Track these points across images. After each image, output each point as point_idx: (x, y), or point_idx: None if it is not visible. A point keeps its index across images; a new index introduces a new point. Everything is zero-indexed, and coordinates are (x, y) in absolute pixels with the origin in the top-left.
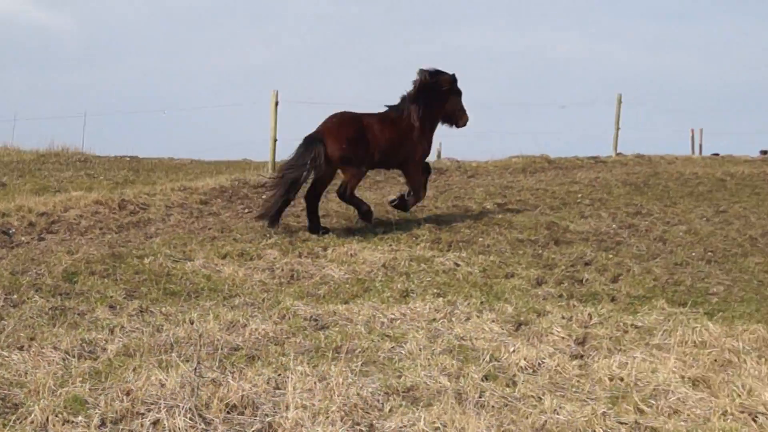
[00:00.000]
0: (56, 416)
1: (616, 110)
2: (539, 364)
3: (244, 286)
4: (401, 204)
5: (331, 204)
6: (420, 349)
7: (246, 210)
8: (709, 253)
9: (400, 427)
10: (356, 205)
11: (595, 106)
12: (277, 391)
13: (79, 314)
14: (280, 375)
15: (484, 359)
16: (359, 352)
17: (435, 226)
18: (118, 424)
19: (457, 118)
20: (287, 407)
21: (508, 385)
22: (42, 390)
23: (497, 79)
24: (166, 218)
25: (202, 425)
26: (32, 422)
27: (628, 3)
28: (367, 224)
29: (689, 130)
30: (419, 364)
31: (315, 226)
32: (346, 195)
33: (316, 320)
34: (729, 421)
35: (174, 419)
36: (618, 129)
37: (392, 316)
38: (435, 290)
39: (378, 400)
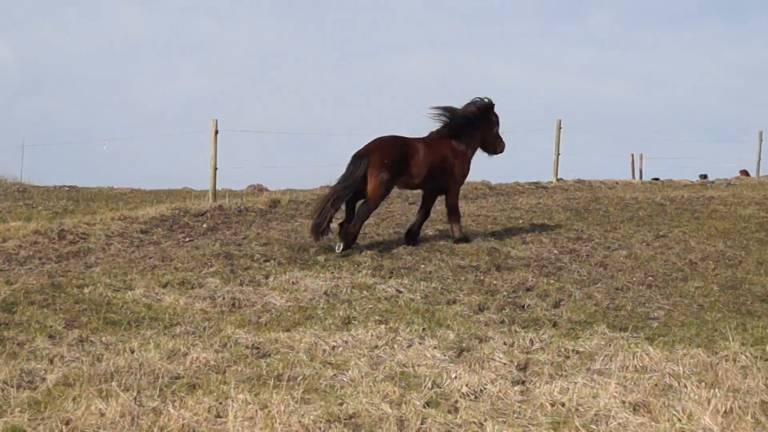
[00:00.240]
0: None
1: (555, 136)
2: (481, 390)
3: (185, 314)
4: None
5: (272, 232)
6: (362, 377)
7: (187, 239)
8: (650, 278)
9: None
10: (354, 228)
11: (535, 131)
12: (218, 420)
13: (18, 344)
14: (221, 403)
15: (425, 386)
16: (301, 379)
17: (377, 253)
18: None
19: (495, 145)
20: None
21: (449, 412)
22: None
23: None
24: (106, 247)
25: None
26: None
27: (567, 29)
28: (346, 248)
29: (629, 155)
30: (361, 391)
31: (349, 240)
32: (360, 213)
33: (257, 348)
34: None
35: None
36: (558, 154)
37: (334, 344)
38: (377, 317)
39: (320, 428)
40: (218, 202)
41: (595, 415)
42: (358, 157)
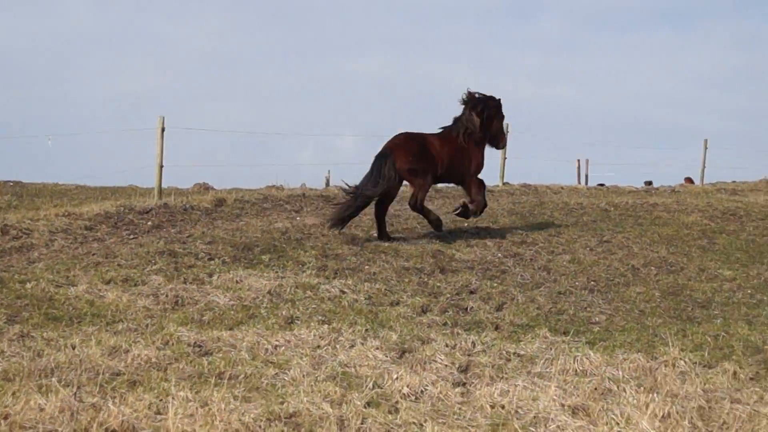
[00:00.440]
0: None
1: None
2: (422, 391)
3: (127, 311)
4: (464, 212)
5: (217, 231)
6: (303, 376)
7: (131, 236)
8: (592, 283)
9: None
10: (426, 215)
11: None
12: (158, 417)
13: None
14: (161, 400)
15: (367, 386)
16: (242, 378)
17: (321, 253)
18: None
19: (498, 140)
20: None
21: (390, 413)
22: None
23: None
24: (49, 243)
25: None
26: None
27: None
28: (438, 232)
29: (575, 160)
30: (302, 390)
31: (383, 234)
32: (417, 205)
33: (199, 346)
34: None
35: None
36: (504, 158)
37: (276, 343)
38: (320, 317)
39: (260, 427)
40: (164, 200)
41: (535, 417)
42: (381, 157)
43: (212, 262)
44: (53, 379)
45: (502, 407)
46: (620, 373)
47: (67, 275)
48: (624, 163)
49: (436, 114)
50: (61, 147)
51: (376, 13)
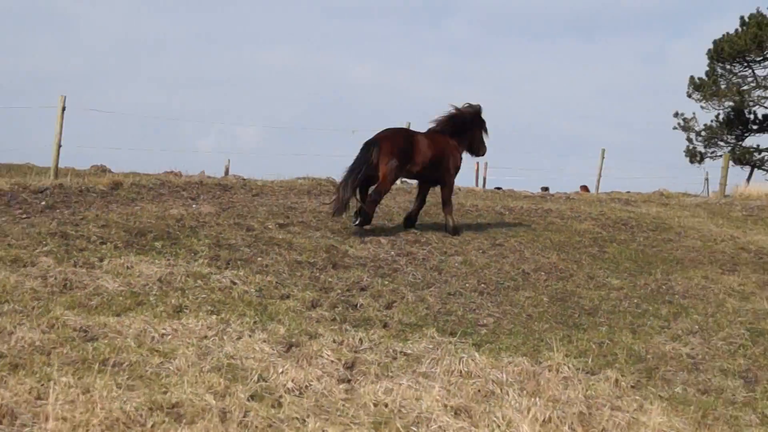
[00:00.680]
0: None
1: None
2: (306, 386)
3: (14, 292)
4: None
5: (111, 215)
6: (188, 366)
7: (24, 215)
8: (482, 285)
9: None
10: (369, 208)
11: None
12: (38, 402)
13: None
14: (42, 385)
15: (252, 379)
16: (126, 365)
17: (215, 242)
18: None
19: (478, 147)
20: (47, 418)
21: (273, 406)
22: None
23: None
24: None
25: None
26: None
27: (423, 35)
28: (359, 226)
29: (474, 162)
30: (186, 380)
31: (367, 218)
32: (375, 196)
33: (85, 331)
34: None
35: None
36: None
37: (163, 331)
38: (209, 307)
39: (141, 416)
40: (59, 180)
41: (417, 417)
42: (369, 145)
43: (104, 246)
44: None
45: (386, 405)
46: (504, 376)
47: None
48: (523, 168)
49: (339, 109)
50: None
51: (290, 6)
